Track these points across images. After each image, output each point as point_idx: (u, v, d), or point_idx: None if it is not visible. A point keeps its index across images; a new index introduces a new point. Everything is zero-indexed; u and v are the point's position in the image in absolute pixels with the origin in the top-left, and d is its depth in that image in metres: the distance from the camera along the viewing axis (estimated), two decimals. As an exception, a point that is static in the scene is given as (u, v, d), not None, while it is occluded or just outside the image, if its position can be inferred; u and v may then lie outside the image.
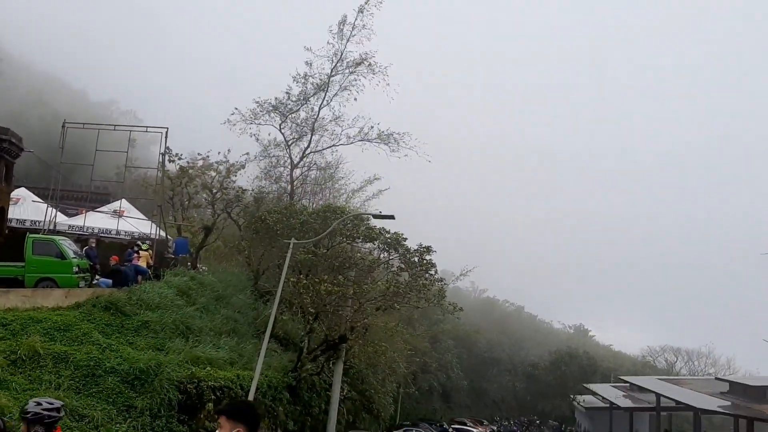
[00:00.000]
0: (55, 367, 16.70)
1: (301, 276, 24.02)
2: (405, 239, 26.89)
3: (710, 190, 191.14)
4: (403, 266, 27.08)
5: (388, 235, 26.68)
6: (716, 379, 40.26)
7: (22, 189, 30.75)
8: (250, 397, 19.29)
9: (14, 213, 27.92)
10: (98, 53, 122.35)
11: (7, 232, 26.40)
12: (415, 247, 26.84)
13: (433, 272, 27.21)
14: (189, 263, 28.49)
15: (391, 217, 22.85)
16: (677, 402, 33.62)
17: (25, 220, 28.41)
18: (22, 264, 20.70)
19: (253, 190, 36.07)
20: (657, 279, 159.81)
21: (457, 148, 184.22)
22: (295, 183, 38.31)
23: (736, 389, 31.57)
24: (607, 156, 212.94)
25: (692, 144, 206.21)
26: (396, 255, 27.03)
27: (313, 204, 38.25)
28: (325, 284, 22.54)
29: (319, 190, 40.38)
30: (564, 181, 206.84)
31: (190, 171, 31.96)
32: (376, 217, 23.88)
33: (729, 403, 29.80)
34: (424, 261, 26.87)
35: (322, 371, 25.61)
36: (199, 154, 33.05)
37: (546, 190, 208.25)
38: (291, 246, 21.89)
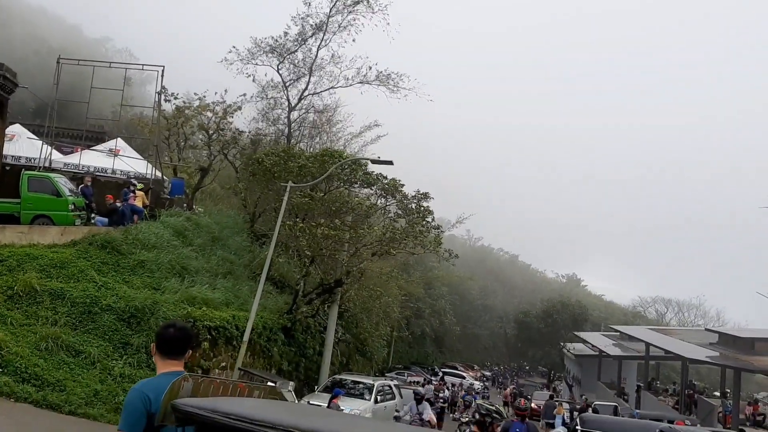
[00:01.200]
0: (52, 304, 16.82)
1: (298, 219, 24.00)
2: (402, 185, 26.82)
3: (704, 140, 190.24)
4: (400, 212, 27.08)
5: (385, 181, 26.59)
6: (706, 329, 40.86)
7: (17, 125, 30.33)
8: (245, 338, 19.51)
9: (9, 150, 27.58)
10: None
11: (2, 168, 26.21)
12: (413, 194, 26.80)
13: (429, 219, 27.24)
14: (185, 204, 28.44)
15: (390, 162, 22.70)
16: (666, 351, 34.16)
17: (20, 156, 28.12)
18: (18, 200, 20.58)
19: (250, 131, 35.68)
20: (651, 231, 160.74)
21: (456, 95, 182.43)
22: (292, 126, 37.87)
23: (725, 340, 32.05)
24: (606, 110, 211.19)
25: (689, 95, 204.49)
26: (393, 201, 26.99)
27: (310, 148, 37.90)
28: (322, 228, 22.53)
29: (316, 134, 39.95)
30: (563, 132, 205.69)
31: (187, 111, 31.58)
32: (374, 162, 23.73)
33: (717, 353, 30.30)
34: (422, 208, 26.85)
35: (317, 314, 25.86)
36: (195, 94, 32.62)
37: (545, 141, 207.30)
38: (288, 189, 21.79)
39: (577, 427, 9.95)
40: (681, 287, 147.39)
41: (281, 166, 25.27)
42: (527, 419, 13.33)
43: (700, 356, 30.74)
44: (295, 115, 38.10)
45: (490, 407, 6.86)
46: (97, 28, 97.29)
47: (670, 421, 22.76)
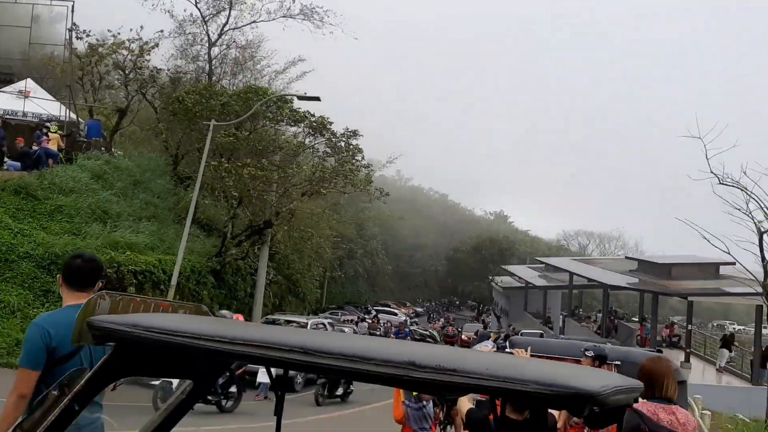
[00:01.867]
0: (-35, 253, 16.04)
1: (223, 160, 23.36)
2: (331, 123, 26.38)
3: (627, 73, 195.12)
4: (329, 151, 26.75)
5: (313, 119, 26.08)
6: (626, 258, 42.78)
7: None
8: (173, 281, 19.13)
9: None
10: None
11: None
12: (342, 132, 26.46)
13: (359, 158, 27.07)
14: (102, 147, 27.19)
15: (317, 98, 22.23)
16: (588, 280, 35.65)
17: None
18: None
19: (168, 69, 34.08)
20: (573, 165, 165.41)
21: (386, 31, 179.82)
22: (213, 62, 36.41)
23: (644, 267, 33.61)
24: (527, 49, 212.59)
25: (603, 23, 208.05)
26: (322, 139, 26.57)
27: (233, 85, 36.56)
28: (249, 168, 22.04)
29: (239, 71, 38.45)
30: (488, 71, 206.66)
31: (100, 49, 29.86)
32: (300, 98, 23.21)
33: (636, 279, 31.79)
34: (351, 146, 26.60)
35: (247, 256, 25.56)
36: (109, 31, 30.78)
37: (472, 79, 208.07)
38: (211, 128, 21.12)
39: (506, 349, 10.18)
40: (602, 220, 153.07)
41: (203, 104, 24.36)
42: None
43: (620, 283, 32.19)
44: (216, 51, 36.59)
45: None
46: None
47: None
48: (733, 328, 68.13)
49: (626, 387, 1.91)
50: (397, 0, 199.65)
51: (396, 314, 57.71)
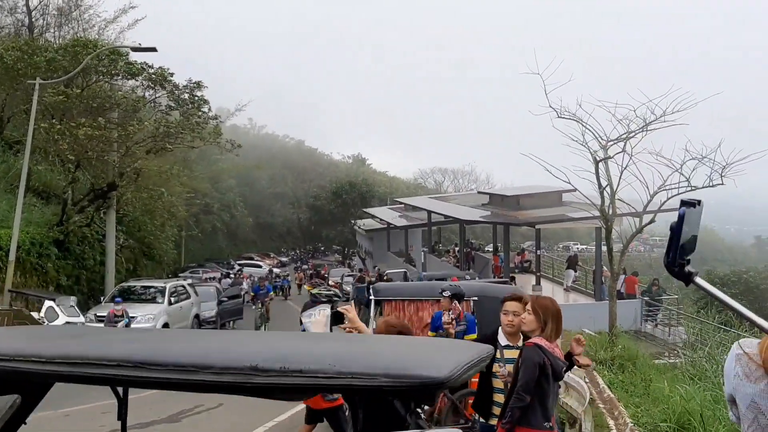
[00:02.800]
0: None
1: (54, 121, 21.42)
2: (172, 75, 24.86)
3: (471, 9, 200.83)
4: (172, 105, 25.34)
5: (152, 71, 24.45)
6: (478, 192, 44.62)
7: None
8: (11, 257, 17.61)
9: None
10: None
11: None
12: (185, 83, 25.10)
13: (206, 109, 25.87)
14: None
15: (153, 49, 20.80)
16: (445, 216, 36.92)
17: None
18: None
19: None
20: (423, 105, 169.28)
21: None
22: (34, 13, 33.03)
23: (495, 200, 35.25)
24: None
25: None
26: (163, 92, 25.06)
27: (59, 38, 33.42)
28: (84, 128, 20.38)
29: (65, 22, 35.12)
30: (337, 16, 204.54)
31: None
32: (135, 50, 21.64)
33: (488, 213, 33.32)
34: (196, 98, 25.34)
35: (93, 222, 23.94)
36: None
37: (321, 19, 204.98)
38: (36, 87, 19.26)
39: (370, 297, 10.26)
40: (454, 157, 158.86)
41: (26, 61, 22.04)
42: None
43: (474, 217, 33.61)
44: (35, 1, 33.20)
45: (329, 291, 6.84)
46: None
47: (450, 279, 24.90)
48: (577, 248, 74.00)
49: (476, 360, 1.85)
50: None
51: (260, 266, 57.16)
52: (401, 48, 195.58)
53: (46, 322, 15.54)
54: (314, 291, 7.56)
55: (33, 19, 32.98)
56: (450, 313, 8.60)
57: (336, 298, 6.92)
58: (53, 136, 20.58)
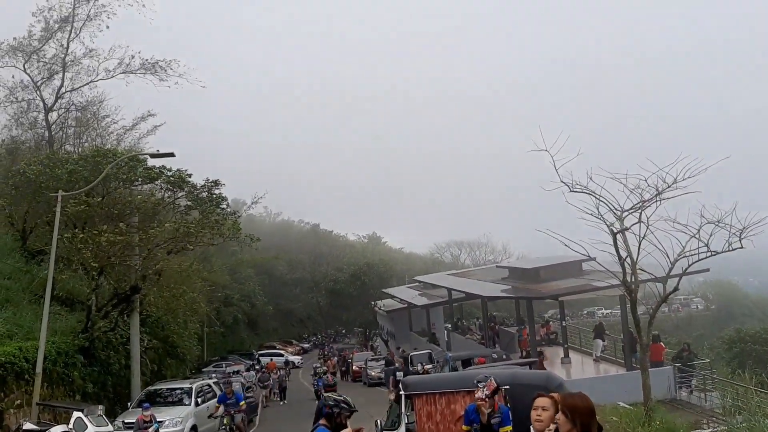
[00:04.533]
0: None
1: (77, 230, 21.91)
2: (190, 176, 25.51)
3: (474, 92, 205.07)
4: (191, 204, 25.86)
5: (170, 174, 25.12)
6: (497, 266, 44.43)
7: None
8: (38, 369, 17.67)
9: None
10: None
11: None
12: (203, 183, 25.70)
13: (224, 206, 26.38)
14: (-63, 233, 24.80)
15: (171, 154, 21.50)
16: (466, 293, 36.72)
17: None
18: None
19: (4, 140, 31.84)
20: (434, 183, 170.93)
21: (234, 75, 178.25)
22: (53, 127, 34.38)
23: (515, 274, 35.08)
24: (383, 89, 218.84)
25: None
26: (182, 193, 25.65)
27: (77, 148, 34.65)
28: (106, 235, 20.80)
29: (83, 132, 36.52)
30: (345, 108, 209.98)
31: None
32: (153, 156, 22.30)
33: (509, 287, 33.13)
34: (214, 195, 25.87)
35: (117, 326, 24.07)
36: (-75, 106, 28.32)
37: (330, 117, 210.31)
38: (59, 199, 19.80)
39: (400, 393, 10.19)
40: (469, 229, 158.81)
41: (47, 174, 22.81)
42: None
43: (495, 293, 33.41)
44: (54, 116, 34.67)
45: (338, 398, 6.76)
46: None
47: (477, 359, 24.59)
48: (602, 313, 72.88)
49: None
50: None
51: (282, 355, 56.71)
52: (408, 124, 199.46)
53: (75, 435, 15.48)
54: (327, 394, 7.45)
55: (53, 133, 34.33)
56: (484, 389, 8.49)
57: (344, 405, 6.70)
58: (76, 245, 20.98)
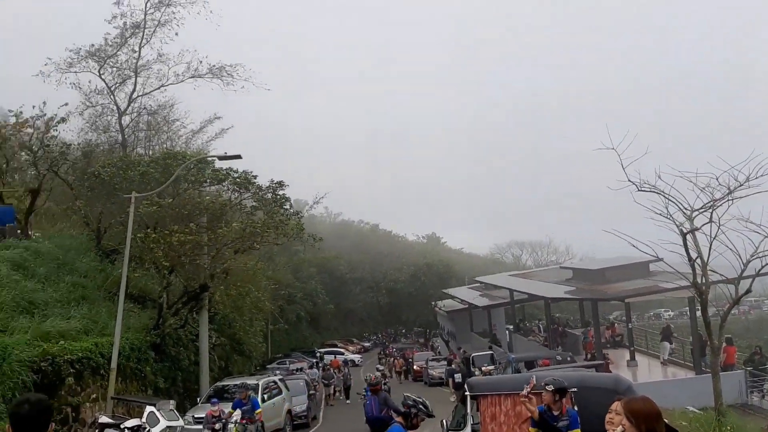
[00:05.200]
0: None
1: (149, 230, 22.73)
2: (255, 177, 26.19)
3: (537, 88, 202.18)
4: (256, 204, 26.48)
5: (236, 175, 25.82)
6: (560, 267, 43.83)
7: None
8: (113, 365, 18.41)
9: None
10: None
11: None
12: (267, 184, 26.28)
13: (287, 207, 26.93)
14: (19, 231, 26.02)
15: (238, 156, 22.05)
16: (529, 295, 36.36)
17: None
18: None
19: (80, 144, 33.29)
20: (495, 182, 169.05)
21: (295, 74, 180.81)
22: (126, 131, 35.81)
23: (579, 275, 34.53)
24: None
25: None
26: (248, 194, 26.30)
27: (148, 151, 36.00)
28: (177, 235, 21.53)
29: (154, 135, 37.94)
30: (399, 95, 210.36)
31: (3, 131, 28.76)
32: (221, 158, 22.90)
33: (574, 288, 32.65)
34: (278, 196, 26.43)
35: (187, 323, 24.84)
36: (10, 111, 29.76)
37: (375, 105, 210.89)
38: (132, 201, 20.58)
39: (466, 393, 10.21)
40: (530, 229, 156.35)
41: (121, 176, 23.76)
42: (382, 392, 13.99)
43: (559, 294, 32.97)
44: (127, 119, 36.12)
45: (417, 399, 6.73)
46: None
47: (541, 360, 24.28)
48: (669, 315, 70.86)
49: None
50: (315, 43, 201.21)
51: (343, 353, 57.26)
52: (470, 125, 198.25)
53: (148, 428, 16.04)
54: (407, 393, 7.50)
55: (125, 136, 35.74)
56: (526, 386, 8.46)
57: (422, 407, 6.69)
58: (148, 244, 21.77)
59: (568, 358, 24.98)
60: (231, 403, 18.93)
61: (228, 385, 21.85)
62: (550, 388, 8.63)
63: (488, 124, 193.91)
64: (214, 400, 18.17)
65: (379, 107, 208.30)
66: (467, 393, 10.23)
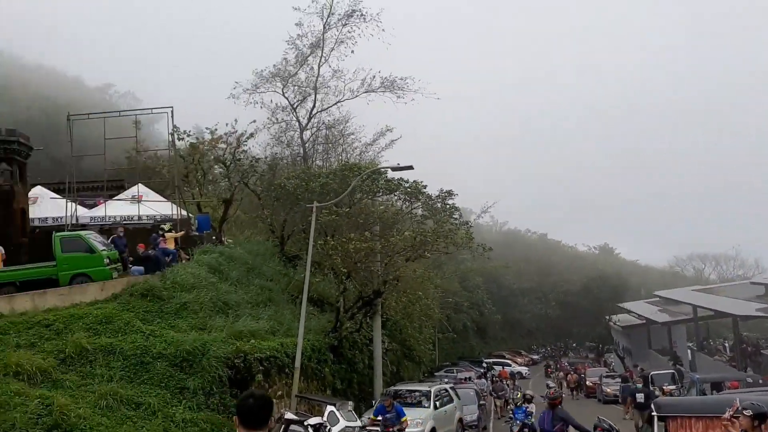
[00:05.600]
0: (105, 360, 16.92)
1: (328, 237, 24.04)
2: (425, 187, 26.77)
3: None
4: (426, 214, 27.03)
5: (407, 185, 26.55)
6: (751, 283, 40.29)
7: (38, 187, 30.63)
8: (297, 364, 19.58)
9: (35, 212, 27.97)
10: (88, 35, 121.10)
11: (31, 232, 26.60)
12: (437, 193, 26.75)
13: (456, 216, 27.22)
14: (213, 237, 28.58)
15: (410, 167, 22.64)
16: (715, 311, 33.78)
17: (47, 218, 28.41)
18: (54, 263, 20.78)
19: (266, 157, 36.09)
20: (673, 189, 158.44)
21: (461, 83, 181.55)
22: (306, 145, 38.27)
23: (775, 291, 31.60)
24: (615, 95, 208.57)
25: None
26: (418, 204, 26.95)
27: (325, 163, 38.23)
28: (354, 242, 22.56)
29: (331, 149, 40.23)
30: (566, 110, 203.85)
31: (201, 147, 31.84)
32: (394, 169, 23.65)
33: (767, 305, 29.91)
34: (447, 206, 26.80)
35: (361, 327, 25.86)
36: (206, 128, 32.90)
37: (553, 117, 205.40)
38: (314, 210, 21.83)
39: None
40: (712, 240, 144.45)
41: (303, 187, 25.41)
42: (559, 407, 13.18)
43: (750, 311, 30.36)
44: (307, 134, 38.68)
45: (613, 425, 6.29)
46: (97, 75, 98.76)
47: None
48: None
49: None
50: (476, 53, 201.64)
51: (510, 365, 56.39)
52: (639, 124, 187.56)
53: (329, 426, 16.90)
54: (601, 417, 7.32)
55: (306, 150, 38.21)
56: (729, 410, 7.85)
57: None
58: (327, 251, 23.00)
59: (760, 381, 22.92)
60: (404, 408, 19.24)
61: (401, 390, 22.38)
62: (749, 413, 7.99)
63: (658, 121, 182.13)
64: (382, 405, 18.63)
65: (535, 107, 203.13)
66: (654, 414, 9.76)
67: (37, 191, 30.08)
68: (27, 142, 26.51)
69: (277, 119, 38.47)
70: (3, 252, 22.31)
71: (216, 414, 17.01)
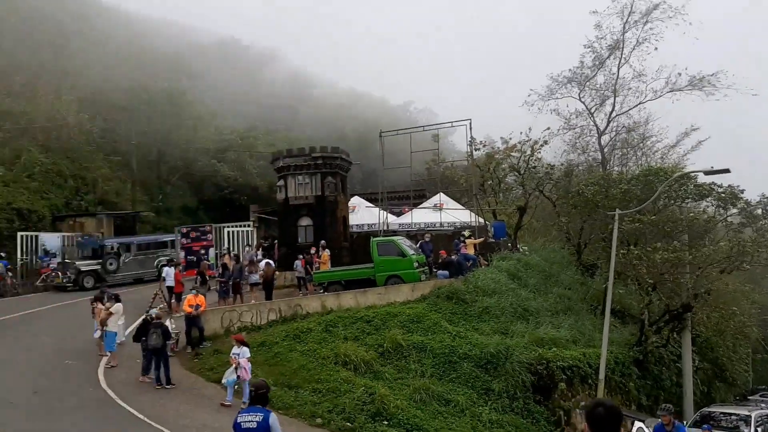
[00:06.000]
0: (417, 356, 18.29)
1: (631, 247, 22.98)
2: (742, 191, 24.22)
3: None
4: (745, 221, 24.47)
5: (720, 190, 24.27)
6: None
7: (355, 197, 34.31)
8: (601, 375, 19.07)
9: (353, 219, 31.37)
10: (389, 63, 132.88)
11: (350, 237, 29.89)
12: (758, 199, 24.07)
13: (784, 224, 24.19)
14: (509, 245, 29.11)
15: (726, 171, 20.64)
16: None
17: (362, 224, 31.67)
18: (372, 265, 23.07)
19: (561, 164, 35.75)
20: None
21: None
22: (604, 150, 37.06)
23: None
24: None
25: None
26: (734, 210, 24.48)
27: (623, 168, 36.57)
28: (661, 252, 21.30)
29: (630, 153, 38.40)
30: None
31: (496, 156, 32.73)
32: (707, 173, 21.78)
33: None
34: (769, 212, 23.98)
35: (668, 343, 24.25)
36: (501, 137, 33.71)
37: None
38: (616, 217, 21.08)
39: None
40: None
41: (603, 194, 24.64)
42: None
43: None
44: (605, 139, 37.41)
45: None
46: (399, 95, 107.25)
47: None
48: None
49: None
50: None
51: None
52: None
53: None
54: None
55: (605, 155, 37.03)
56: None
57: None
58: (631, 260, 22.01)
59: None
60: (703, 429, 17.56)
61: (715, 412, 20.56)
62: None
63: None
64: (706, 426, 17.32)
65: None
66: None
67: (355, 200, 33.70)
68: (347, 158, 29.89)
69: (571, 125, 37.94)
70: (329, 254, 25.39)
71: (520, 418, 17.33)
